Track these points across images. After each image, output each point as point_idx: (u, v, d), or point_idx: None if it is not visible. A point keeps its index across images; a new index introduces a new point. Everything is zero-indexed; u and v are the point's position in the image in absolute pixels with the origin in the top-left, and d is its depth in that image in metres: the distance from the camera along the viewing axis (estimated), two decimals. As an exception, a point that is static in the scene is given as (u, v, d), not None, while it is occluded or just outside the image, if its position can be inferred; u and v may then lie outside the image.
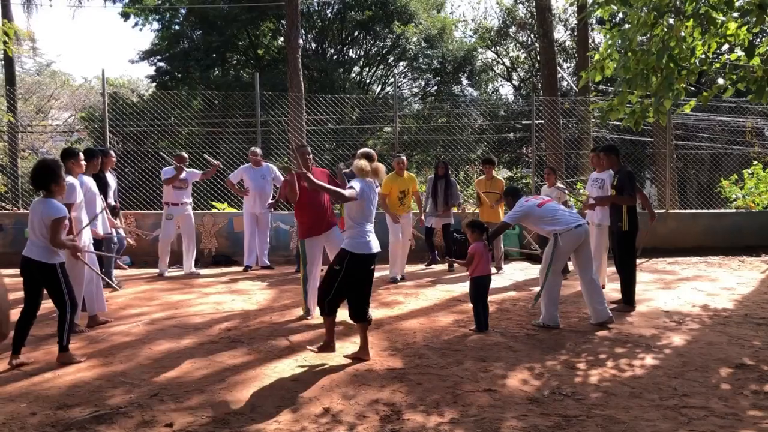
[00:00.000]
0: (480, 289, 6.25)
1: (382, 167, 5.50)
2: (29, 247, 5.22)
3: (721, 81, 7.31)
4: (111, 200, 8.33)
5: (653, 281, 8.77)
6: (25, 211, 12.19)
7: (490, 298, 7.69)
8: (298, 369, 5.01)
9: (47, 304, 7.21)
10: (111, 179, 8.58)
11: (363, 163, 5.36)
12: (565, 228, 6.25)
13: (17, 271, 5.32)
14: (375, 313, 6.87)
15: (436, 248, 10.48)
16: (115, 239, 8.29)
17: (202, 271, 9.72)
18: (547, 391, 4.48)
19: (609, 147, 7.74)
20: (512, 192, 6.86)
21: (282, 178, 10.05)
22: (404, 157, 9.06)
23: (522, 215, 6.43)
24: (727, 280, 8.91)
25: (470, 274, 6.32)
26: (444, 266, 10.14)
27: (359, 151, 5.57)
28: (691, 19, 6.60)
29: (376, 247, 5.29)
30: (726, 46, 8.14)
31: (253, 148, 10.25)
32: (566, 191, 9.43)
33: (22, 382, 4.74)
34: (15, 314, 5.64)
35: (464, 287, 8.43)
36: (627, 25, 7.10)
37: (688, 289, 8.26)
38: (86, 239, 6.20)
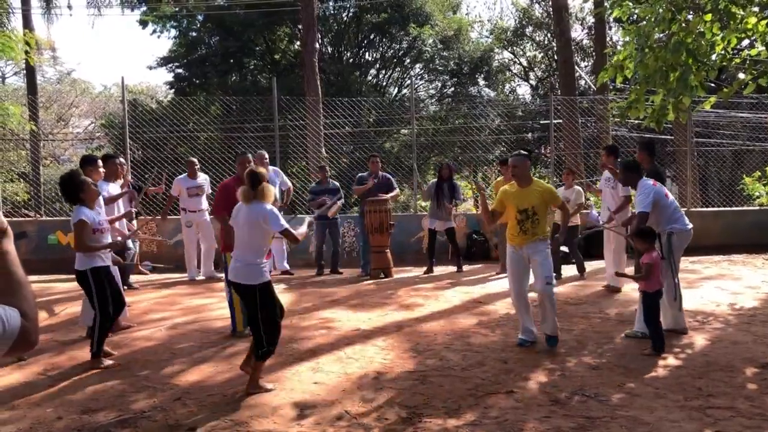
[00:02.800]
0: (656, 304, 5.49)
1: (270, 189, 4.75)
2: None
3: (741, 76, 7.22)
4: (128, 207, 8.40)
5: (675, 280, 8.67)
6: (48, 218, 12.35)
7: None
8: (319, 372, 5.02)
9: (72, 310, 7.32)
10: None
11: (245, 190, 4.70)
12: (682, 228, 5.84)
13: (41, 277, 5.40)
14: (395, 315, 6.89)
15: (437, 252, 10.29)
16: (129, 245, 8.37)
17: (223, 275, 9.76)
18: (569, 393, 4.45)
19: (609, 147, 7.48)
20: (634, 167, 6.08)
21: (289, 184, 10.08)
22: (523, 157, 5.74)
23: (654, 201, 5.69)
24: (752, 279, 8.79)
25: (646, 288, 5.49)
26: (464, 267, 10.08)
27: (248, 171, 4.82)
28: (710, 14, 6.53)
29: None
30: (746, 42, 8.04)
31: (259, 151, 10.19)
32: (584, 192, 9.35)
33: (48, 388, 4.80)
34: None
35: (484, 288, 8.40)
36: (644, 23, 7.04)
37: (711, 288, 8.15)
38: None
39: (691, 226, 6.01)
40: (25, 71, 21.32)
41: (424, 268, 9.94)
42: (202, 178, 9.56)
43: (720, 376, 4.75)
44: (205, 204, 9.55)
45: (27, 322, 1.64)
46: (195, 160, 9.65)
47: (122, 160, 9.13)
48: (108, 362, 5.34)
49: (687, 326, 6.00)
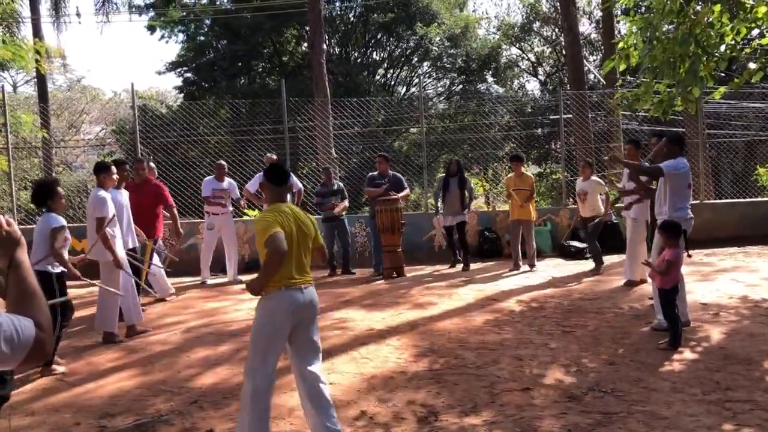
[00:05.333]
0: (672, 300, 5.44)
1: None
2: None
3: (752, 66, 7.16)
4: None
5: (690, 273, 8.57)
6: (62, 224, 12.41)
7: (526, 295, 7.67)
8: (334, 373, 5.03)
9: (83, 313, 7.37)
10: None
11: None
12: (683, 216, 5.84)
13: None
14: (409, 314, 6.88)
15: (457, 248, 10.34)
16: (160, 249, 8.58)
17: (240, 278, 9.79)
18: (585, 389, 4.43)
19: (633, 141, 7.52)
20: (680, 140, 6.08)
21: (300, 185, 10.11)
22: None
23: (680, 172, 5.79)
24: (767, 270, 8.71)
25: (662, 285, 5.45)
26: (476, 265, 10.06)
27: None
28: (719, 5, 6.48)
29: None
30: (756, 31, 7.98)
31: (268, 154, 10.23)
32: (603, 183, 9.30)
33: (66, 393, 4.84)
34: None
35: (497, 285, 8.38)
36: (651, 14, 7.01)
37: (726, 281, 8.09)
38: (121, 252, 6.30)
39: (691, 216, 6.01)
40: (35, 79, 21.49)
41: (446, 266, 10.13)
42: (227, 183, 9.56)
43: (738, 369, 4.71)
44: (229, 207, 9.54)
45: (41, 333, 1.64)
46: (224, 163, 9.66)
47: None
48: (62, 369, 5.40)
49: (690, 319, 5.97)
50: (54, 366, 5.36)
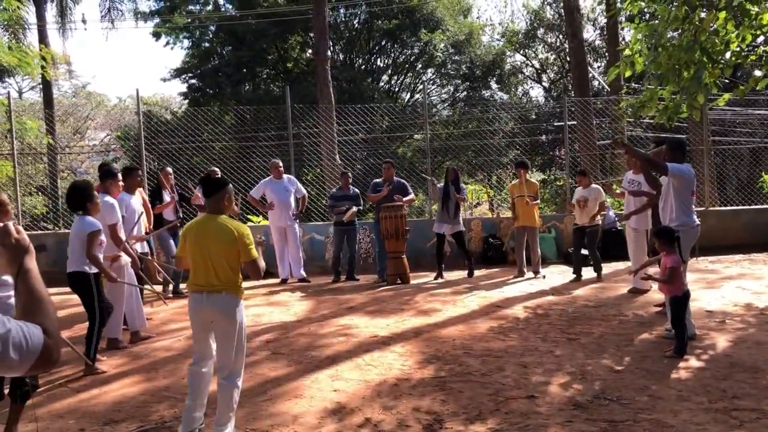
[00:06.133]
0: (684, 308, 5.41)
1: None
2: (68, 264, 5.50)
3: (758, 73, 7.16)
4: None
5: (695, 281, 8.56)
6: (67, 230, 12.46)
7: (531, 302, 7.65)
8: (339, 380, 5.01)
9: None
10: (167, 197, 8.93)
11: None
12: (688, 223, 5.79)
13: (60, 289, 5.48)
14: (413, 321, 6.87)
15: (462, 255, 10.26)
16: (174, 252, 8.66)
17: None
18: (591, 396, 4.40)
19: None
20: (681, 146, 6.10)
21: (304, 192, 10.12)
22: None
23: (686, 176, 5.76)
24: (773, 278, 8.68)
25: (672, 293, 5.39)
26: (481, 272, 10.04)
27: None
28: (724, 12, 6.49)
29: None
30: (761, 38, 7.98)
31: (274, 160, 10.24)
32: (602, 191, 9.26)
33: (70, 399, 4.84)
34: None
35: (502, 292, 8.37)
36: (656, 21, 7.01)
37: (732, 288, 8.06)
38: (125, 257, 6.30)
39: (698, 222, 5.96)
40: (41, 86, 21.61)
41: (434, 274, 9.89)
42: None
43: (744, 378, 4.68)
44: None
45: (49, 340, 1.64)
46: (216, 169, 9.70)
47: (169, 169, 9.28)
48: (104, 367, 5.56)
49: (695, 331, 5.88)
50: (97, 365, 5.51)
